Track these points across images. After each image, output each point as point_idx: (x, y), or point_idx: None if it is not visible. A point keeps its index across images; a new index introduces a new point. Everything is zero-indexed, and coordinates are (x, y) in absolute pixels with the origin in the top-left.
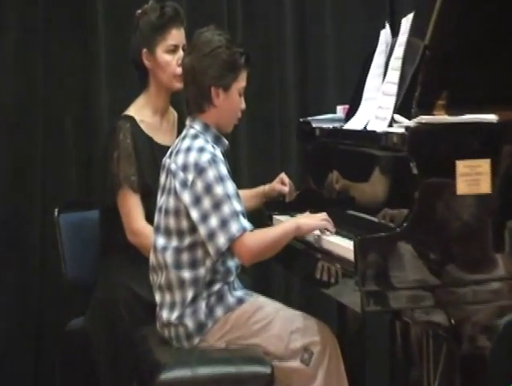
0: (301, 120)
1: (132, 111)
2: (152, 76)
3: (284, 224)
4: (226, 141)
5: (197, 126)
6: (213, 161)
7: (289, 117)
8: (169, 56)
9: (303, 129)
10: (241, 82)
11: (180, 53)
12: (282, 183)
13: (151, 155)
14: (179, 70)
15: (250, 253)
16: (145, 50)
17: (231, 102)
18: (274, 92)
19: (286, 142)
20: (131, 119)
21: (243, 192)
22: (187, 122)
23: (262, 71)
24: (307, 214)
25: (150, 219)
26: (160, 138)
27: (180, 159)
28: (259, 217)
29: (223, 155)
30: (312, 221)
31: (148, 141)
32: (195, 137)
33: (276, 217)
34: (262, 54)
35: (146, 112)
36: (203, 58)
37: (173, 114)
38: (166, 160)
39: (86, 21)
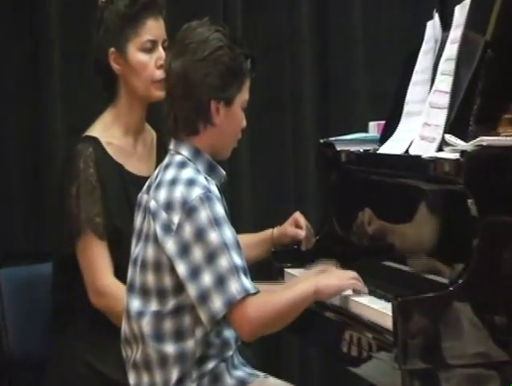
0: (321, 141)
1: (96, 130)
2: (123, 84)
3: (299, 286)
4: (223, 171)
5: (185, 152)
6: (206, 198)
7: (305, 136)
8: (145, 56)
9: (324, 154)
10: (245, 93)
11: (160, 52)
12: (297, 226)
13: (122, 189)
14: (158, 74)
15: (253, 325)
16: (112, 49)
17: (233, 119)
18: (285, 105)
19: (301, 171)
20: (95, 141)
21: (245, 238)
22: (171, 147)
23: (268, 77)
24: (329, 269)
25: (121, 274)
26: (134, 166)
27: (162, 195)
28: (266, 272)
29: (219, 190)
30: (336, 281)
31: (118, 170)
32: (182, 165)
33: (289, 271)
34: (268, 54)
35: (115, 132)
36: (199, 63)
37: (151, 134)
38: (142, 196)
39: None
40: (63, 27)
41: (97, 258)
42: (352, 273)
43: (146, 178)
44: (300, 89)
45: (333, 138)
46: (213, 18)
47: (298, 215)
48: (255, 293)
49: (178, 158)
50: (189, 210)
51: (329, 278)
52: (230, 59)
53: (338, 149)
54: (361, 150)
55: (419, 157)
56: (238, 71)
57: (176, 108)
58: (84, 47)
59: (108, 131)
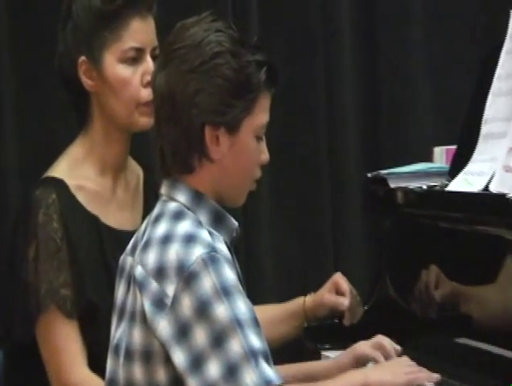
0: (369, 175)
1: (61, 170)
2: (96, 106)
3: (342, 380)
4: (234, 222)
5: (182, 196)
6: (211, 259)
7: (346, 169)
8: (127, 69)
9: (373, 192)
10: (260, 116)
11: (148, 64)
12: (338, 292)
13: (98, 249)
14: (145, 94)
15: None
16: (83, 58)
17: (241, 152)
18: (318, 124)
19: (341, 215)
20: (60, 185)
21: (267, 311)
22: (163, 190)
23: (294, 88)
24: (387, 362)
25: (97, 364)
26: (114, 218)
27: (152, 258)
28: (296, 355)
29: (229, 248)
30: (392, 378)
31: (91, 223)
32: (178, 216)
33: (327, 354)
34: (295, 57)
35: (88, 171)
36: (188, 75)
37: (136, 173)
38: (125, 259)
39: None
40: (11, 25)
41: (65, 344)
42: (410, 365)
43: (130, 234)
44: (339, 102)
45: (385, 171)
46: (218, 13)
47: (338, 277)
48: (280, 385)
49: (172, 205)
50: (188, 277)
51: (381, 372)
52: (233, 69)
53: (392, 185)
54: (425, 187)
55: (503, 196)
56: (245, 86)
57: (163, 138)
58: (44, 49)
59: (77, 170)
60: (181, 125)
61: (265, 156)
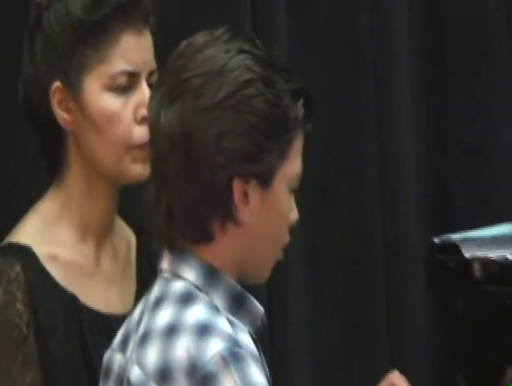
0: (436, 240)
1: (28, 233)
2: (74, 148)
3: None
4: (260, 308)
5: (191, 273)
6: (234, 357)
7: (404, 231)
8: (115, 100)
9: (441, 263)
10: (296, 162)
11: (143, 93)
12: None
13: (76, 339)
14: (139, 133)
15: None
16: (56, 84)
17: (274, 211)
18: (368, 173)
19: (397, 293)
20: (26, 253)
21: None
22: (165, 264)
23: (334, 123)
24: None
25: None
26: (96, 297)
27: (153, 356)
28: None
29: (254, 340)
30: None
31: (68, 304)
32: (186, 299)
33: None
34: (333, 88)
35: (62, 236)
36: (210, 113)
37: (126, 239)
38: (114, 356)
39: None
40: None
41: None
42: None
43: (119, 319)
44: (394, 143)
45: (457, 235)
46: (236, 25)
47: (395, 378)
48: None
49: (178, 286)
50: (203, 380)
51: None
52: (267, 101)
53: (467, 255)
54: (510, 257)
55: None
56: (282, 124)
57: (171, 196)
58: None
59: (50, 234)
60: (200, 180)
61: (294, 215)
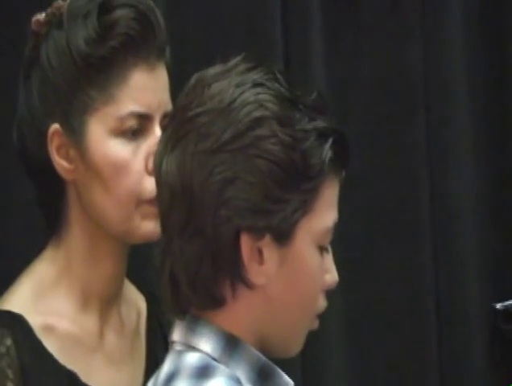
0: (498, 306)
1: (21, 300)
2: (76, 203)
3: None
4: (289, 381)
5: (207, 344)
6: None
7: (460, 296)
8: (124, 147)
9: (505, 333)
10: (326, 215)
11: (157, 136)
12: None
13: None
14: (151, 185)
15: None
16: (55, 127)
17: (298, 272)
18: (419, 233)
19: (456, 367)
20: (18, 324)
21: None
22: (176, 335)
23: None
24: None
25: None
26: (99, 376)
27: None
28: None
29: None
30: None
31: (65, 383)
32: (203, 373)
33: None
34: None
35: (60, 303)
36: (214, 155)
37: (136, 307)
38: None
39: None
40: None
41: None
42: None
43: None
44: (450, 197)
45: None
46: (261, 55)
47: None
48: None
49: (192, 358)
50: None
51: None
52: (282, 144)
53: None
54: None
55: None
56: (302, 170)
57: (173, 257)
58: None
59: (46, 301)
60: (203, 236)
61: (332, 277)
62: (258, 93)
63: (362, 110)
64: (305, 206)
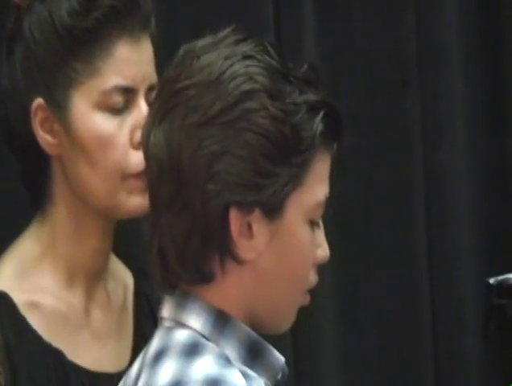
0: (492, 281)
1: (4, 277)
2: (60, 178)
3: None
4: (280, 358)
5: (196, 320)
6: None
7: (455, 269)
8: (109, 121)
9: (499, 308)
10: (316, 189)
11: (142, 112)
12: None
13: None
14: (137, 159)
15: None
16: (39, 102)
17: (288, 247)
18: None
19: (450, 342)
20: (1, 301)
21: None
22: (166, 312)
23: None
24: None
25: None
26: (86, 353)
27: None
28: None
29: None
30: None
31: (51, 360)
32: (192, 350)
33: None
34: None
35: (45, 280)
36: (202, 128)
37: (122, 283)
38: None
39: None
40: None
41: None
42: None
43: (112, 379)
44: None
45: None
46: (248, 27)
47: None
48: None
49: (181, 335)
50: None
51: None
52: (272, 117)
53: None
54: None
55: None
56: (292, 144)
57: (161, 232)
58: None
59: (30, 278)
60: (191, 210)
61: (323, 252)
62: (248, 66)
63: (354, 83)
64: (296, 180)
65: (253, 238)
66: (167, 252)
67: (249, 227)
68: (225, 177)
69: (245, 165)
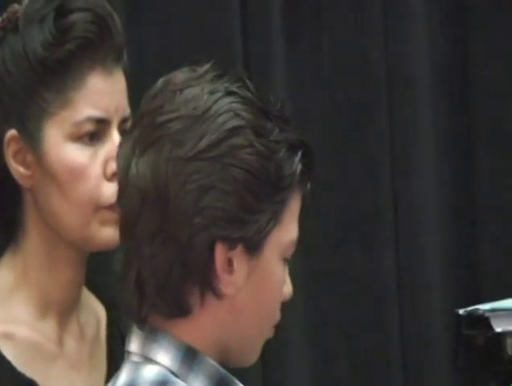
0: (461, 311)
1: None
2: (33, 209)
3: None
4: None
5: (165, 356)
6: None
7: (423, 301)
8: (82, 152)
9: (468, 339)
10: (291, 227)
11: (115, 141)
12: None
13: None
14: (109, 191)
15: None
16: (12, 133)
17: (264, 283)
18: (383, 236)
19: (419, 374)
20: None
21: None
22: (134, 346)
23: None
24: None
25: None
26: (59, 384)
27: None
28: None
29: None
30: None
31: None
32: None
33: None
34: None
35: (19, 311)
36: (190, 164)
37: (95, 315)
38: None
39: None
40: None
41: None
42: None
43: None
44: (412, 201)
45: (486, 306)
46: (223, 60)
47: None
48: None
49: (150, 371)
50: None
51: None
52: (258, 154)
53: (498, 329)
54: None
55: None
56: (275, 181)
57: (142, 262)
58: None
59: (3, 309)
60: (176, 243)
61: (287, 288)
62: (232, 102)
63: (322, 112)
64: (276, 217)
65: (232, 273)
66: (147, 283)
67: (230, 262)
68: (212, 212)
69: (232, 200)
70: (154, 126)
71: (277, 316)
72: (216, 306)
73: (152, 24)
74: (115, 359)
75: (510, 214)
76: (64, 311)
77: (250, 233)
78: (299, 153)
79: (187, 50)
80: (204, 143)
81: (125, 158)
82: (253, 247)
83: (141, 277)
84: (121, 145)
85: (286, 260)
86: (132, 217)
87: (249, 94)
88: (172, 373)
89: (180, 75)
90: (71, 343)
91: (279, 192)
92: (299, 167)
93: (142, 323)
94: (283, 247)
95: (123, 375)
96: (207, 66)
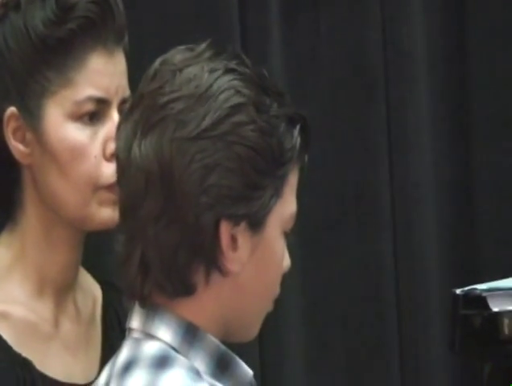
0: (458, 291)
1: None
2: (31, 188)
3: None
4: (248, 371)
5: (166, 332)
6: None
7: (421, 281)
8: (82, 131)
9: (465, 319)
10: (291, 200)
11: (115, 121)
12: None
13: None
14: (109, 171)
15: None
16: (11, 110)
17: (267, 258)
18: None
19: (416, 352)
20: None
21: None
22: (135, 323)
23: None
24: None
25: None
26: (55, 364)
27: None
28: None
29: None
30: None
31: (21, 371)
32: (161, 363)
33: None
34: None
35: (15, 290)
36: (193, 143)
37: (92, 295)
38: None
39: None
40: None
41: None
42: None
43: None
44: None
45: (483, 286)
46: (220, 38)
47: None
48: None
49: (151, 347)
50: None
51: None
52: (260, 130)
53: (495, 309)
54: None
55: None
56: (277, 156)
57: (147, 244)
58: None
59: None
60: (182, 223)
61: (287, 262)
62: (232, 79)
63: (320, 92)
64: (277, 192)
65: (237, 250)
66: (152, 263)
67: (234, 239)
68: (218, 190)
69: (236, 178)
70: (156, 107)
71: (278, 289)
72: (220, 284)
73: (149, 8)
74: (110, 340)
75: (508, 191)
76: (61, 291)
77: (254, 209)
78: (298, 127)
79: (182, 33)
80: (207, 122)
81: (125, 139)
82: (257, 223)
83: (145, 259)
84: (119, 126)
85: (286, 234)
86: (136, 199)
87: (247, 70)
88: (173, 349)
89: (178, 55)
90: (67, 324)
91: (281, 167)
92: (298, 140)
93: (144, 301)
94: (284, 221)
95: (124, 352)
96: (204, 44)
